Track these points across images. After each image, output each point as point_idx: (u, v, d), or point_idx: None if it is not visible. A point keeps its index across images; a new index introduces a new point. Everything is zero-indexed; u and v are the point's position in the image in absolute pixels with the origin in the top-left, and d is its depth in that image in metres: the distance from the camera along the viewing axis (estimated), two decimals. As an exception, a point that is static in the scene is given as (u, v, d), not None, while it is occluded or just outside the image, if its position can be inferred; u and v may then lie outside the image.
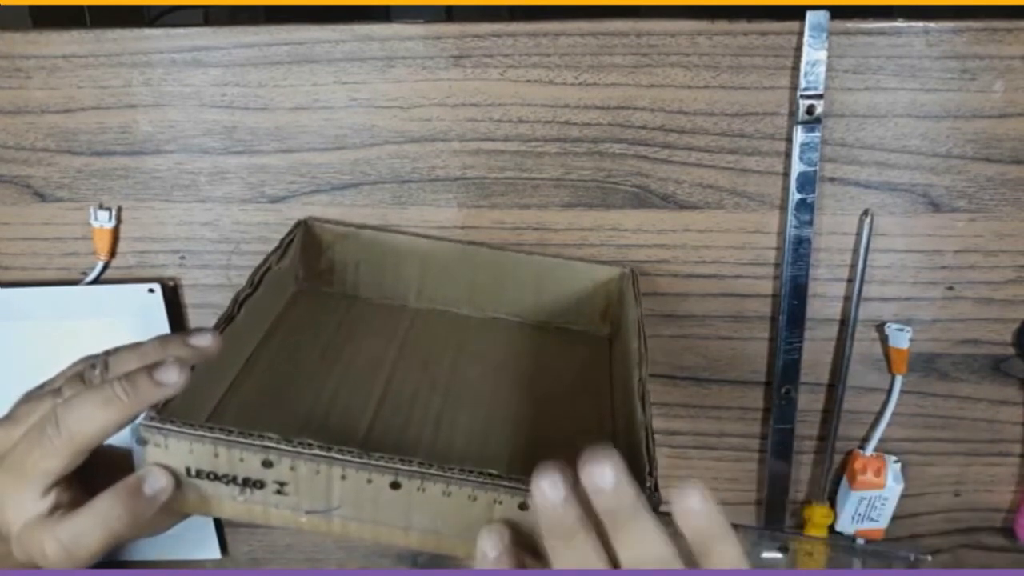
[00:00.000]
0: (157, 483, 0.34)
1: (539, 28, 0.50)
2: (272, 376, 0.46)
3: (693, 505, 0.30)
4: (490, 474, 0.34)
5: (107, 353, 0.37)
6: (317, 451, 0.34)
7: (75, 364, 0.38)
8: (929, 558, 0.33)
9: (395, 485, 0.34)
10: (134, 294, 0.56)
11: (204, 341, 0.37)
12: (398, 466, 0.34)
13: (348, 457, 0.34)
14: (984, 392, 0.57)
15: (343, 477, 0.34)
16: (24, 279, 0.58)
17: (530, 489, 0.31)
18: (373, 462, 0.34)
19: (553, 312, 0.55)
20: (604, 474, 0.30)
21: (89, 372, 0.36)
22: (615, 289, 0.54)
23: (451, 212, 0.54)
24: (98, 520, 0.33)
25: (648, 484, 0.34)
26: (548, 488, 0.30)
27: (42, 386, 0.39)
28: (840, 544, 0.33)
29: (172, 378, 0.34)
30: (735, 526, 0.33)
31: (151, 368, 0.34)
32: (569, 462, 0.40)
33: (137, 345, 0.38)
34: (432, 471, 0.34)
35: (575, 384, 0.50)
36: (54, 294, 0.57)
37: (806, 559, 0.33)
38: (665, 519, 0.31)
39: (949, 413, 0.58)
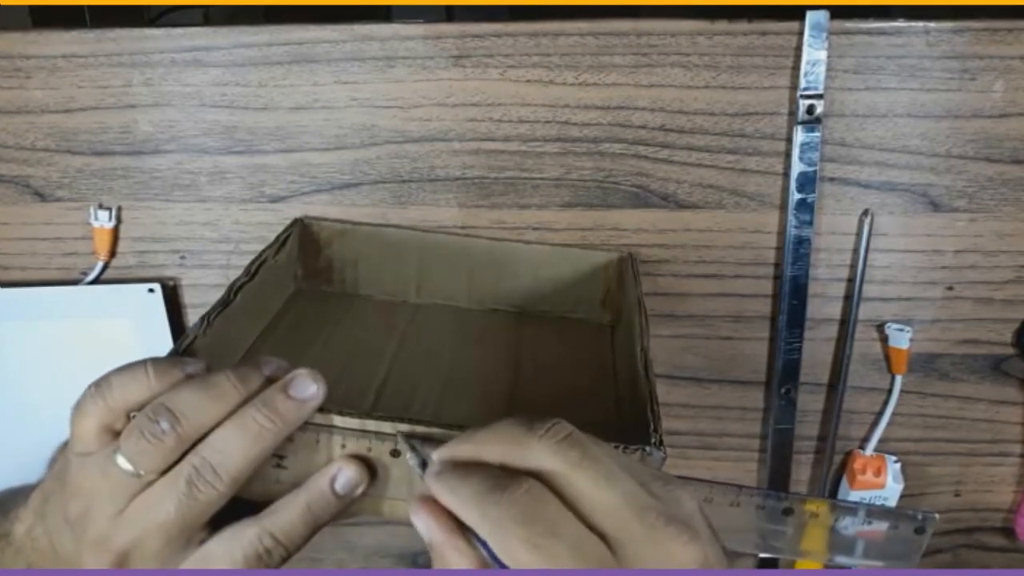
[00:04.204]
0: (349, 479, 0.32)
1: (539, 28, 0.50)
2: None
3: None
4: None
5: (162, 405, 0.31)
6: (316, 418, 0.33)
7: (97, 417, 0.31)
8: (936, 516, 0.32)
9: (395, 453, 0.33)
10: (134, 294, 0.56)
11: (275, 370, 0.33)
12: (399, 427, 0.33)
13: (348, 424, 0.33)
14: (984, 392, 0.57)
15: (343, 446, 0.33)
16: (24, 279, 0.58)
17: None
18: (373, 428, 0.33)
19: (553, 301, 0.55)
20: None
21: (153, 427, 0.30)
22: (614, 275, 0.54)
23: (451, 212, 0.54)
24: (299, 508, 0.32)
25: (653, 440, 0.34)
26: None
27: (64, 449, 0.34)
28: (843, 505, 0.34)
29: (311, 390, 0.32)
30: (739, 487, 0.32)
31: (285, 386, 0.32)
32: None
33: (199, 386, 0.31)
34: (434, 430, 0.33)
35: (577, 374, 0.50)
36: (54, 294, 0.57)
37: (812, 520, 0.33)
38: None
39: (949, 413, 0.58)
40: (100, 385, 0.31)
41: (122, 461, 0.30)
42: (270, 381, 0.32)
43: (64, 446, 0.33)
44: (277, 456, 0.33)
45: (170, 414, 0.30)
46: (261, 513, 0.32)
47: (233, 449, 0.30)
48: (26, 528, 0.35)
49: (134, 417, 0.31)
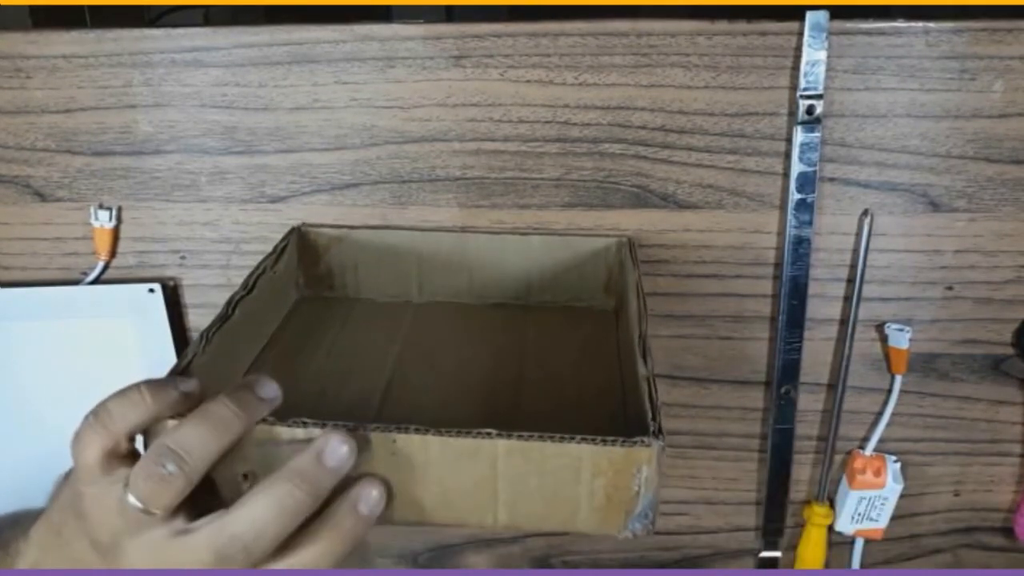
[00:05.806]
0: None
1: (539, 28, 0.50)
2: (276, 377, 0.46)
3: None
4: (486, 433, 0.33)
5: (164, 446, 0.31)
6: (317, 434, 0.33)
7: (99, 444, 0.32)
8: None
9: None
10: (134, 294, 0.56)
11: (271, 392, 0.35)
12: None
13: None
14: (984, 392, 0.57)
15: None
16: (24, 279, 0.58)
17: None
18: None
19: (556, 291, 0.55)
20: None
21: (159, 471, 0.30)
22: (615, 260, 0.54)
23: (451, 212, 0.54)
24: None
25: (652, 429, 0.34)
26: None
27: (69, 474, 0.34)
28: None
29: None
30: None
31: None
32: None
33: (199, 420, 0.32)
34: (430, 436, 0.33)
35: (582, 369, 0.49)
36: (54, 294, 0.57)
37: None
38: None
39: (949, 413, 0.58)
40: (98, 413, 0.31)
41: (133, 501, 0.30)
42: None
43: (66, 477, 0.33)
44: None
45: (175, 455, 0.30)
46: (290, 545, 0.31)
47: (269, 517, 0.30)
48: (31, 562, 0.34)
49: (133, 442, 0.32)
